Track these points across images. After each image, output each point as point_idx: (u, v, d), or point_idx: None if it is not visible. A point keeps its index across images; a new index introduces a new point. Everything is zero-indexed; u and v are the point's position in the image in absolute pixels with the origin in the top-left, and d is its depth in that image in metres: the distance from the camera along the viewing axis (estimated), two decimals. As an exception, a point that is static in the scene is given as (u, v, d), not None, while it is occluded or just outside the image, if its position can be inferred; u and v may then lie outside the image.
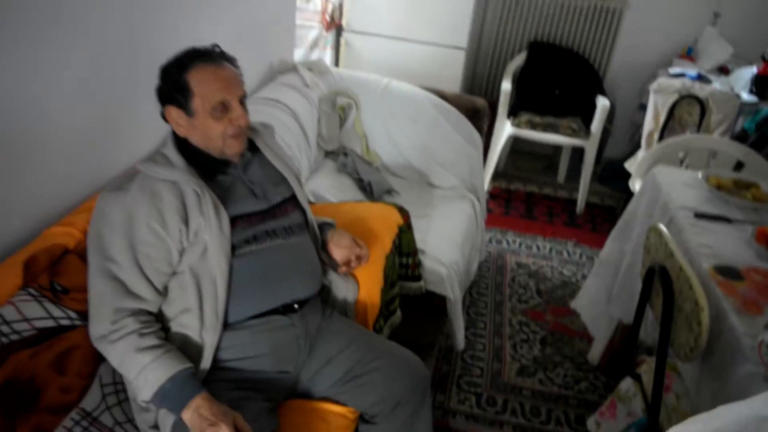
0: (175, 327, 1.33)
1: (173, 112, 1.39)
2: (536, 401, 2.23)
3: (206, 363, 1.32)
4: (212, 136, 1.39)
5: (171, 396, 1.21)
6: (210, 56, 1.41)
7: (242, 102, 1.42)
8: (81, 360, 1.24)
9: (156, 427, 1.31)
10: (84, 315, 1.27)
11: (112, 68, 1.58)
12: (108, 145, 1.64)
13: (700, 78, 3.36)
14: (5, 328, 1.11)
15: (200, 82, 1.36)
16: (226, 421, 1.17)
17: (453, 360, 2.38)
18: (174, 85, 1.37)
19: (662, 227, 1.51)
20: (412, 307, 2.11)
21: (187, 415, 1.20)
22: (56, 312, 1.22)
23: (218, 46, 1.44)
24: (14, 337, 1.12)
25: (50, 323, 1.19)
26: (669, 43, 3.86)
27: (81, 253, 1.33)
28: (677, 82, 3.18)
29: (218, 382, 1.32)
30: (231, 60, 1.45)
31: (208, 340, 1.33)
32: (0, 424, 1.05)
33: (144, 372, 1.21)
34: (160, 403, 1.23)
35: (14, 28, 1.25)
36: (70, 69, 1.43)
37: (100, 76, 1.54)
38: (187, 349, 1.32)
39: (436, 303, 2.25)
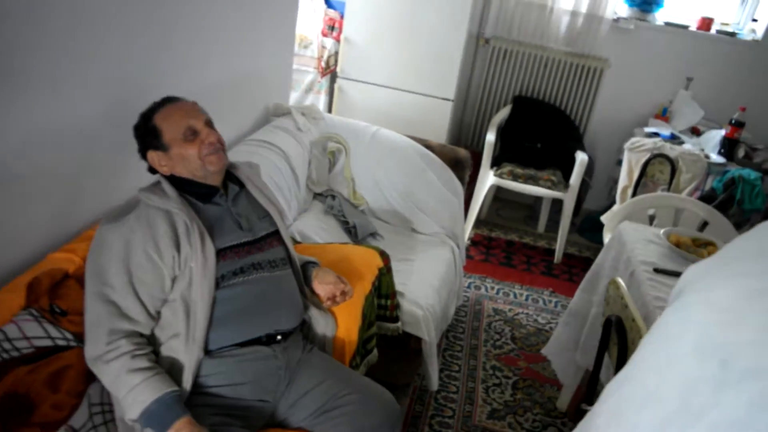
0: (165, 351, 1.42)
1: (154, 157, 1.52)
2: (505, 444, 2.31)
3: (187, 385, 1.41)
4: (190, 159, 1.51)
5: (156, 416, 1.30)
6: (168, 100, 1.57)
7: (208, 123, 1.56)
8: (73, 379, 1.32)
9: (139, 446, 1.38)
10: (79, 337, 1.36)
11: (121, 115, 1.70)
12: (105, 178, 1.75)
13: (673, 138, 3.54)
14: (7, 345, 1.20)
15: (164, 119, 1.51)
16: None
17: (426, 400, 2.46)
18: (145, 132, 1.52)
19: (620, 281, 1.63)
20: (389, 347, 2.20)
21: None
22: (54, 332, 1.31)
23: (174, 95, 1.59)
24: (14, 353, 1.21)
25: (48, 342, 1.28)
26: (646, 102, 4.06)
27: (80, 278, 1.42)
28: (650, 142, 3.35)
29: (200, 407, 1.40)
30: (188, 101, 1.59)
31: (192, 366, 1.42)
32: (-3, 434, 1.13)
33: (133, 392, 1.30)
34: (145, 422, 1.31)
35: (30, 72, 1.37)
36: (73, 109, 1.55)
37: (103, 117, 1.66)
38: (174, 372, 1.40)
39: (412, 344, 2.34)
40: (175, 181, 1.53)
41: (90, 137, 1.60)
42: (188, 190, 1.54)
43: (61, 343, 1.32)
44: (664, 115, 3.91)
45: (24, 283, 1.31)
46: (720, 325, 0.56)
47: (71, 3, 1.44)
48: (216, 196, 1.57)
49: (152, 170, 1.56)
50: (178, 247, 1.43)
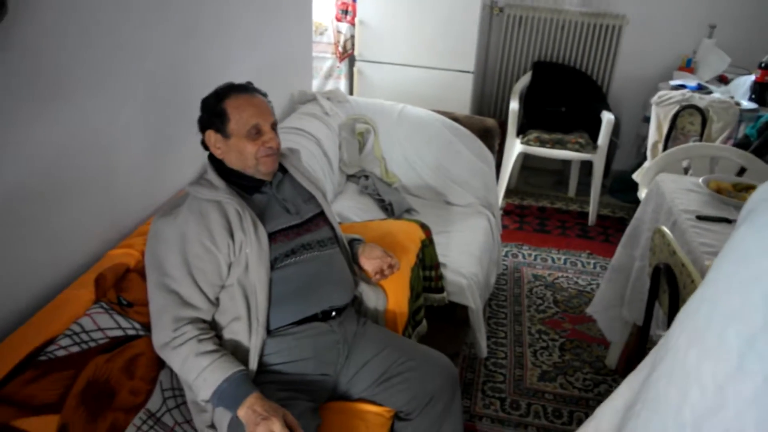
0: (227, 334, 1.48)
1: (212, 136, 1.57)
2: (558, 404, 2.34)
3: (253, 365, 1.46)
4: (247, 155, 1.55)
5: (227, 395, 1.35)
6: (244, 88, 1.60)
7: (273, 127, 1.60)
8: (145, 366, 1.38)
9: (213, 426, 1.44)
10: (146, 326, 1.42)
11: (157, 111, 1.76)
12: (156, 175, 1.81)
13: (701, 88, 3.49)
14: (85, 336, 1.26)
15: (236, 108, 1.54)
16: (277, 416, 1.30)
17: (477, 368, 2.50)
18: (213, 112, 1.56)
19: (665, 229, 1.64)
20: (436, 318, 2.23)
21: (242, 412, 1.33)
22: (124, 323, 1.37)
23: (251, 84, 1.63)
24: (92, 344, 1.27)
25: (119, 333, 1.34)
26: (668, 55, 4.00)
27: (140, 271, 1.48)
28: (677, 94, 3.31)
29: (266, 384, 1.45)
30: (263, 93, 1.63)
31: (255, 346, 1.47)
32: (85, 419, 1.19)
33: (203, 374, 1.35)
34: (217, 401, 1.36)
35: (80, 80, 1.43)
36: (124, 112, 1.61)
37: (148, 118, 1.72)
38: (238, 353, 1.46)
39: (458, 314, 2.38)
40: (222, 170, 1.58)
41: (127, 137, 1.65)
42: (236, 181, 1.58)
43: (131, 332, 1.38)
44: (688, 66, 3.86)
45: (91, 279, 1.37)
46: None
47: (101, 11, 1.48)
48: (263, 186, 1.62)
49: (204, 145, 1.61)
50: (231, 234, 1.48)
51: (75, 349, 1.23)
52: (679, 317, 0.68)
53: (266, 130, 1.57)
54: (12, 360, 1.14)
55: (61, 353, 1.20)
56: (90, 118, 1.48)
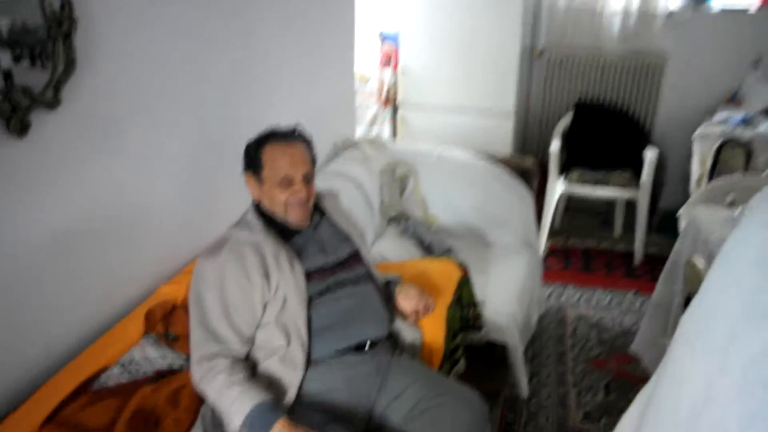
0: (264, 370, 1.55)
1: (250, 179, 1.68)
2: (603, 444, 2.30)
3: (291, 397, 1.53)
4: (276, 203, 1.65)
5: (257, 421, 1.41)
6: (284, 136, 1.69)
7: (306, 178, 1.67)
8: (189, 397, 1.47)
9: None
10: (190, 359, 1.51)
11: (206, 155, 1.90)
12: (202, 218, 1.95)
13: (746, 122, 3.44)
14: (134, 367, 1.37)
15: (270, 157, 1.64)
16: None
17: (518, 408, 2.48)
18: (251, 157, 1.67)
19: (696, 259, 1.64)
20: (476, 357, 2.25)
21: None
22: (170, 355, 1.47)
23: (299, 126, 1.72)
24: (140, 375, 1.37)
25: (165, 365, 1.44)
26: (713, 90, 3.96)
27: (186, 307, 1.59)
28: (718, 129, 3.29)
29: (301, 412, 1.51)
30: (306, 140, 1.72)
31: (294, 379, 1.54)
32: (133, 444, 1.28)
33: (234, 404, 1.42)
34: (249, 428, 1.43)
35: (138, 126, 1.58)
36: (175, 157, 1.76)
37: (194, 166, 1.87)
38: (276, 388, 1.52)
39: (498, 353, 2.38)
40: (262, 212, 1.68)
41: (177, 180, 1.79)
42: (275, 224, 1.68)
43: (176, 364, 1.47)
44: (734, 99, 3.82)
45: (142, 314, 1.48)
46: None
47: (154, 60, 1.64)
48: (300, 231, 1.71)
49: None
50: (267, 275, 1.57)
51: (125, 378, 1.34)
52: (680, 322, 0.72)
53: (297, 181, 1.64)
54: (69, 386, 1.25)
55: (112, 382, 1.31)
56: (144, 163, 1.63)
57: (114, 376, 1.31)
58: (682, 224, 2.63)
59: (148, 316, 1.48)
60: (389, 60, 4.13)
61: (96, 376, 1.30)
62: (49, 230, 1.36)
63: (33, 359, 1.36)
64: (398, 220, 2.88)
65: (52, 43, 1.26)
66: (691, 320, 0.68)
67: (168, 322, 1.53)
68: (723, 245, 0.68)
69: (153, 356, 1.42)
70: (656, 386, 0.73)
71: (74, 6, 1.29)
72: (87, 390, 1.27)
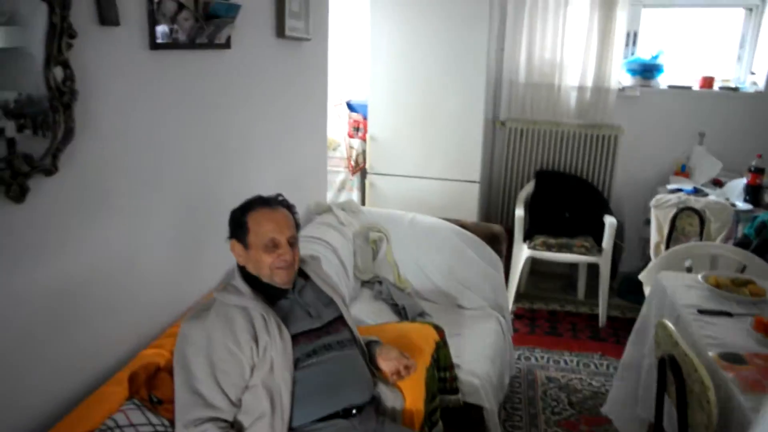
0: (250, 432, 1.53)
1: (235, 246, 1.71)
2: (579, 508, 2.29)
3: None
4: (262, 266, 1.67)
5: None
6: (268, 202, 1.74)
7: (291, 242, 1.71)
8: (173, 464, 1.44)
9: None
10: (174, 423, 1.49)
11: (186, 220, 1.92)
12: (184, 280, 1.94)
13: (697, 191, 3.65)
14: (119, 432, 1.33)
15: (256, 222, 1.69)
16: None
17: (494, 472, 2.47)
18: (236, 223, 1.71)
19: (666, 322, 1.72)
20: (452, 420, 2.25)
21: None
22: (154, 419, 1.44)
23: (281, 195, 1.77)
24: (126, 440, 1.34)
25: (150, 429, 1.41)
26: (664, 161, 4.21)
27: (170, 370, 1.57)
28: (674, 197, 3.47)
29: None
30: (289, 207, 1.78)
31: (278, 443, 1.52)
32: None
33: None
34: None
35: (122, 194, 1.61)
36: (157, 222, 1.77)
37: (178, 227, 1.89)
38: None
39: (473, 415, 2.39)
40: (248, 276, 1.70)
41: (159, 244, 1.80)
42: (261, 288, 1.70)
43: (160, 429, 1.44)
44: (683, 171, 4.05)
45: (125, 378, 1.46)
46: None
47: (144, 133, 1.68)
48: (286, 293, 1.73)
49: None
50: (255, 339, 1.58)
51: (109, 444, 1.30)
52: None
53: (282, 244, 1.68)
54: (53, 454, 1.21)
55: (97, 448, 1.27)
56: (131, 228, 1.65)
57: (98, 442, 1.28)
58: (646, 289, 2.73)
59: (132, 380, 1.45)
60: (357, 128, 4.25)
61: (80, 442, 1.27)
62: (38, 295, 1.35)
63: (12, 426, 1.31)
64: (372, 283, 2.91)
65: (53, 113, 1.30)
66: None
67: (152, 385, 1.51)
68: None
69: (137, 420, 1.39)
70: None
71: (76, 78, 1.34)
72: (71, 457, 1.23)
